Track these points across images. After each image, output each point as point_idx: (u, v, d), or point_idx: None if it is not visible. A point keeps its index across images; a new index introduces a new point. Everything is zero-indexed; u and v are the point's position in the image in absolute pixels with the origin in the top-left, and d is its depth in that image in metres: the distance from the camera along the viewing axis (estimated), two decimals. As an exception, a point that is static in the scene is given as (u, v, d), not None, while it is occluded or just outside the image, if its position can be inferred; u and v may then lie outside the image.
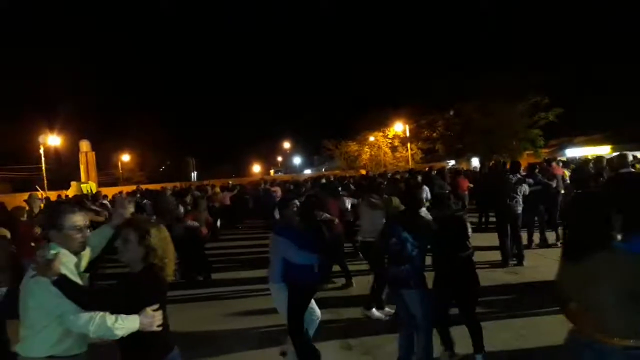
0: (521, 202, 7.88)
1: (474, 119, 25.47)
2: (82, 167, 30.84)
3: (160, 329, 2.40)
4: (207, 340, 5.28)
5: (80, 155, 31.31)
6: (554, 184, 9.18)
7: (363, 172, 30.76)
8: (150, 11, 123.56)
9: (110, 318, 2.26)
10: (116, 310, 2.31)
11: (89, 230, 2.65)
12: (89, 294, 2.43)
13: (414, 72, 47.32)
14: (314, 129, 63.28)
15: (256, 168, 68.30)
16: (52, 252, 2.37)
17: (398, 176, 14.55)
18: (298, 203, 4.58)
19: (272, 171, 65.72)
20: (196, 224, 8.35)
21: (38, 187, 24.69)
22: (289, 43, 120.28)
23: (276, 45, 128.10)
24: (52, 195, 20.75)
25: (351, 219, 8.66)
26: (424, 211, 4.64)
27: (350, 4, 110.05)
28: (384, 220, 4.15)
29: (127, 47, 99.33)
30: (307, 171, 59.50)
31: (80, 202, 12.95)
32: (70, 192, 23.87)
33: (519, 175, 8.10)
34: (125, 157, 51.31)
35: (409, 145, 32.79)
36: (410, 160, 32.38)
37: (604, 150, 23.71)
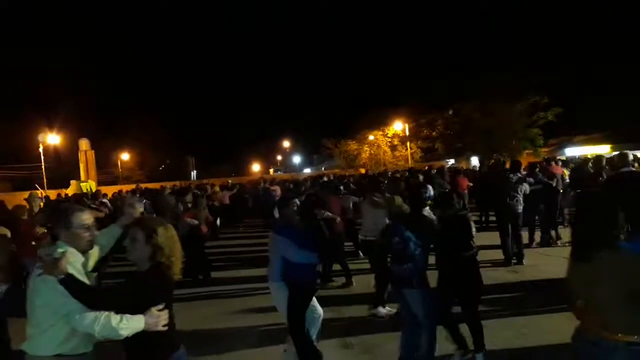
0: (522, 202, 7.89)
1: (474, 119, 25.48)
2: (81, 166, 30.87)
3: (165, 328, 2.40)
4: (207, 339, 5.28)
5: (79, 154, 31.33)
6: (553, 183, 9.19)
7: (362, 171, 30.77)
8: (150, 11, 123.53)
9: (115, 318, 2.26)
10: (123, 309, 2.31)
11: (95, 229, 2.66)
12: (96, 294, 2.43)
13: (413, 72, 47.30)
14: (313, 128, 63.26)
15: (256, 167, 68.26)
16: (60, 250, 2.37)
17: (398, 175, 14.55)
18: (298, 202, 4.57)
19: (271, 170, 65.84)
20: (195, 221, 8.35)
21: (38, 186, 24.70)
22: (289, 43, 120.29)
23: (276, 45, 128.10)
24: (52, 194, 20.76)
25: (351, 216, 8.67)
26: (427, 210, 4.63)
27: (350, 4, 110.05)
28: (386, 219, 4.13)
29: (127, 47, 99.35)
30: (307, 170, 59.51)
31: (80, 200, 12.95)
32: (70, 191, 23.89)
33: (519, 175, 8.10)
34: (125, 156, 51.30)
35: (408, 144, 32.78)
36: (409, 159, 32.36)
37: (604, 150, 23.75)
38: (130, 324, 2.28)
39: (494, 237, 8.22)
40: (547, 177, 9.26)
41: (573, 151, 29.19)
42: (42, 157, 32.63)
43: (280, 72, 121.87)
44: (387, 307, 5.73)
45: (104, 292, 2.48)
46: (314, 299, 4.42)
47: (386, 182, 11.01)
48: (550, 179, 9.24)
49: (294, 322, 4.19)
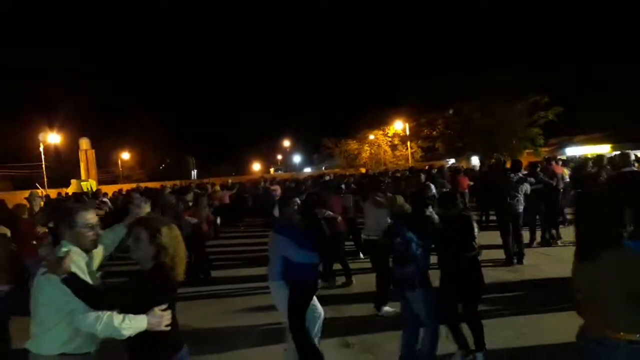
0: (522, 201, 7.88)
1: (474, 118, 25.47)
2: (82, 165, 30.91)
3: (168, 328, 2.39)
4: (208, 338, 5.29)
5: (80, 153, 31.36)
6: (554, 183, 9.19)
7: (363, 170, 30.77)
8: (150, 11, 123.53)
9: (117, 318, 2.26)
10: (126, 308, 2.31)
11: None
12: (99, 293, 2.43)
13: (413, 72, 47.34)
14: (313, 128, 63.33)
15: (256, 166, 68.22)
16: (64, 249, 2.36)
17: (399, 174, 14.57)
18: (299, 201, 4.57)
19: (272, 169, 65.79)
20: (195, 220, 8.35)
21: (38, 185, 24.71)
22: (289, 43, 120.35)
23: (276, 45, 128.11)
24: (52, 193, 20.77)
25: (351, 215, 8.66)
26: (430, 210, 4.63)
27: (350, 4, 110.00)
28: (389, 219, 4.13)
29: (127, 47, 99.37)
30: (307, 169, 59.52)
31: (80, 199, 12.96)
32: (70, 190, 23.87)
33: (520, 174, 8.10)
34: (125, 155, 51.28)
35: (408, 143, 32.77)
36: (410, 158, 32.36)
37: (604, 149, 23.79)
38: (132, 324, 2.28)
39: (494, 237, 8.22)
40: (548, 176, 9.26)
41: (573, 151, 29.23)
42: (43, 156, 32.66)
43: (280, 72, 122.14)
44: (387, 307, 5.72)
45: (107, 291, 2.48)
46: (315, 298, 4.42)
47: (387, 181, 11.01)
48: (551, 178, 9.24)
49: (294, 321, 4.18)
